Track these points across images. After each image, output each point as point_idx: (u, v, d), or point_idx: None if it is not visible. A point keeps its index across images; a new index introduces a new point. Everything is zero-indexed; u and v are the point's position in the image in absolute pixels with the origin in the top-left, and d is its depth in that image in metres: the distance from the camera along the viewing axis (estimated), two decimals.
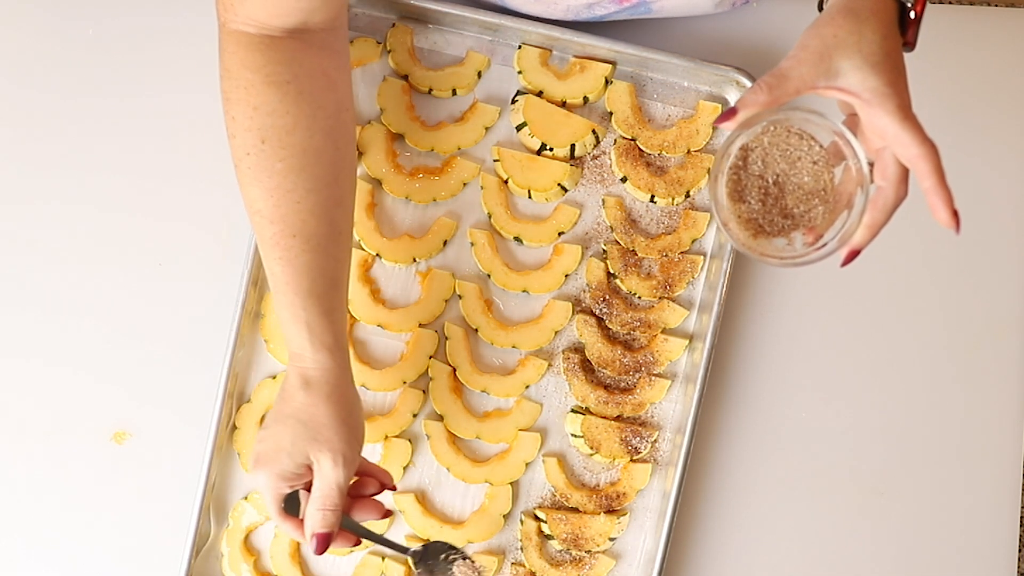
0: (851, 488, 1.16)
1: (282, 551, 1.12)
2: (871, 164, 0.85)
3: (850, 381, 1.16)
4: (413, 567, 1.07)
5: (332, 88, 0.96)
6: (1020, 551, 1.25)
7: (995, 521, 1.16)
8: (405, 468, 1.13)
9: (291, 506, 0.97)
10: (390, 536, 1.12)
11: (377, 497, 1.01)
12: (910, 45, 0.87)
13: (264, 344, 1.13)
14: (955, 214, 0.83)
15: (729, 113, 0.83)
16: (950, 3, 1.29)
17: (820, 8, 0.90)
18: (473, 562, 1.07)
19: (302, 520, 0.96)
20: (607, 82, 1.14)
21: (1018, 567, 1.20)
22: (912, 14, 0.85)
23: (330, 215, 0.95)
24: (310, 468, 0.95)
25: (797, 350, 1.16)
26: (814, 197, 0.85)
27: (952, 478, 1.16)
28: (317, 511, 0.95)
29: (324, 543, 0.95)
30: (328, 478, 0.94)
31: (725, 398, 1.16)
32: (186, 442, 1.13)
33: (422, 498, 1.13)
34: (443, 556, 1.07)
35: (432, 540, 1.10)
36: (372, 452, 1.13)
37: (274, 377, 1.13)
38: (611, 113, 1.14)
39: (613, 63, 1.14)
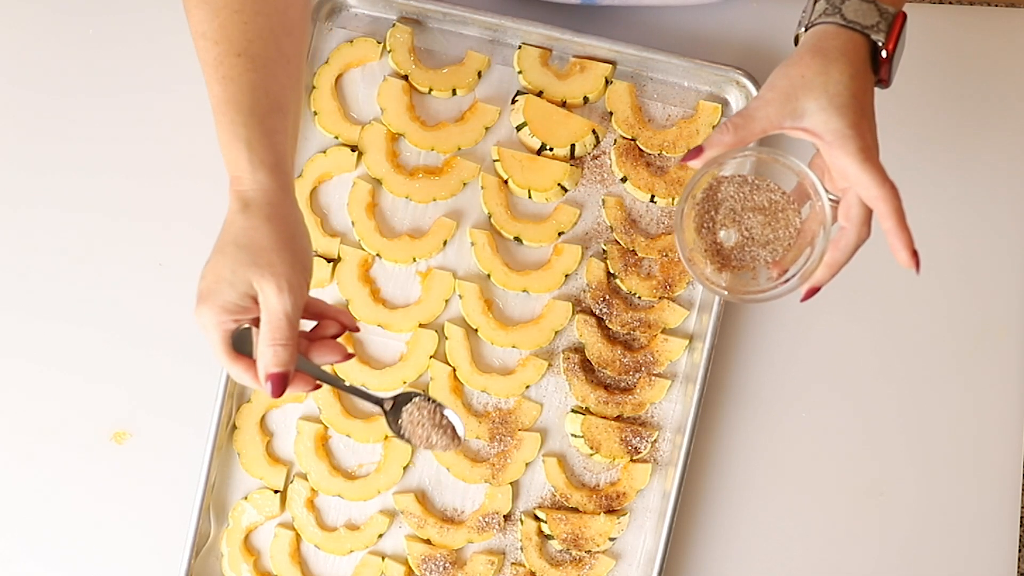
0: (851, 488, 1.16)
1: (282, 551, 1.12)
2: (836, 203, 0.87)
3: (850, 381, 1.16)
4: (385, 416, 0.99)
5: None
6: (1020, 551, 1.25)
7: (995, 521, 1.16)
8: (405, 468, 1.13)
9: (243, 347, 0.89)
10: (388, 529, 1.13)
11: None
12: (884, 83, 0.88)
13: None
14: (915, 254, 0.85)
15: (696, 151, 0.86)
16: (950, 3, 1.29)
17: (796, 43, 0.90)
18: (434, 401, 0.99)
19: (255, 361, 0.88)
20: (607, 82, 1.14)
21: (1018, 567, 1.20)
22: (884, 53, 0.86)
23: (278, 40, 0.91)
24: (255, 300, 0.87)
25: (797, 350, 1.16)
26: (778, 233, 0.88)
27: (952, 478, 1.16)
28: (268, 347, 0.86)
29: (280, 383, 0.87)
30: (274, 307, 0.85)
31: (725, 398, 1.16)
32: (186, 442, 1.13)
33: (422, 498, 1.13)
34: (409, 401, 1.00)
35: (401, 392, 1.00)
36: (372, 452, 1.13)
37: None
38: (611, 113, 1.14)
39: (613, 63, 1.14)
